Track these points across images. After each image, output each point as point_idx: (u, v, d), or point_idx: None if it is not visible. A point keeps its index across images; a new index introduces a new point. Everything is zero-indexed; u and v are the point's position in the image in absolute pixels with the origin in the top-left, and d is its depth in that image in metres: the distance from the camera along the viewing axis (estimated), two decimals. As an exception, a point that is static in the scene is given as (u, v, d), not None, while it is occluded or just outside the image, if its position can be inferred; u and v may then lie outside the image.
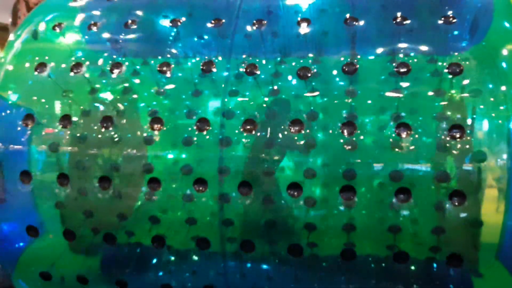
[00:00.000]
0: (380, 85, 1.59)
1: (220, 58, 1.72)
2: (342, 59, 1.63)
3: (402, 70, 1.56)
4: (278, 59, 1.69)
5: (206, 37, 1.81)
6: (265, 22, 1.75)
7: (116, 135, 1.69)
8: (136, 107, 1.75)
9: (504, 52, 1.56)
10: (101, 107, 1.74)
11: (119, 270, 1.81)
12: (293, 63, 1.66)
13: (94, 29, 1.88)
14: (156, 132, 1.66)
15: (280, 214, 1.61)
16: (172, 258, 1.74)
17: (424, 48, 1.63)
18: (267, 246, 1.66)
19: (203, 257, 1.71)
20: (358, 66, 1.60)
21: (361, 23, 1.69)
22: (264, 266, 1.70)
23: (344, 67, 1.60)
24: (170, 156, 1.69)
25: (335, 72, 1.63)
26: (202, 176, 1.61)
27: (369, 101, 1.60)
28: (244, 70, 1.67)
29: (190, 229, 1.66)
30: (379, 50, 1.67)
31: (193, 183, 1.62)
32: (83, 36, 1.90)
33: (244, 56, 1.71)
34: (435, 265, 1.56)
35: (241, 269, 1.71)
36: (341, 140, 1.54)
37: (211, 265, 1.72)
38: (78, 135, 1.72)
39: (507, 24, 1.63)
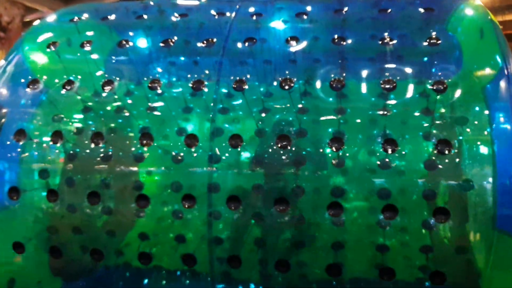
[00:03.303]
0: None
1: (210, 77, 1.75)
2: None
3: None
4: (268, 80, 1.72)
5: (196, 57, 1.84)
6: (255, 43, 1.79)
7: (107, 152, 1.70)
8: (128, 125, 1.76)
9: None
10: (93, 125, 1.76)
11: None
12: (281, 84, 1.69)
13: (87, 48, 1.91)
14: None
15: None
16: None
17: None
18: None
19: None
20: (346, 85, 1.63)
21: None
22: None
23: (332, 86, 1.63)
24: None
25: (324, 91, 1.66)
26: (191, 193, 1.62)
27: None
28: (234, 88, 1.69)
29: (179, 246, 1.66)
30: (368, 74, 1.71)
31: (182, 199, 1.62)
32: (76, 55, 1.93)
33: (233, 77, 1.73)
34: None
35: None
36: (330, 157, 1.55)
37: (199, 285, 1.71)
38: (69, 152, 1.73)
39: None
